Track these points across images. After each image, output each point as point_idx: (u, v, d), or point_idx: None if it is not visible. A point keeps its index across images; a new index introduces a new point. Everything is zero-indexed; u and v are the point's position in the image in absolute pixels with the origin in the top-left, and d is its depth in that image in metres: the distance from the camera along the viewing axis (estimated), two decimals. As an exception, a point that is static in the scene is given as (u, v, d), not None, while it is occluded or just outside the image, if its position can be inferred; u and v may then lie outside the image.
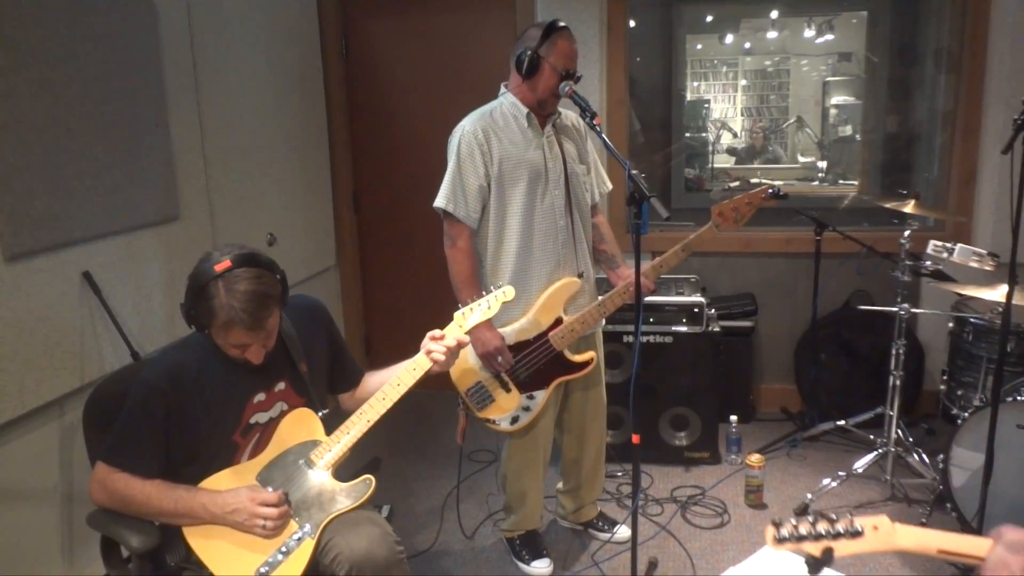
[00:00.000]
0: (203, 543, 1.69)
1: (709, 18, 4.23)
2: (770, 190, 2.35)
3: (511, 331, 2.38)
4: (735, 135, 4.40)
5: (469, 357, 2.37)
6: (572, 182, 2.41)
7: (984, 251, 2.59)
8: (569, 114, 2.47)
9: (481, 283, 2.42)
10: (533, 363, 2.40)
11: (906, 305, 2.90)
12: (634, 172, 1.96)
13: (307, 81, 3.73)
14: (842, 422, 3.35)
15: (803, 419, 3.64)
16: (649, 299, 3.09)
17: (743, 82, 4.34)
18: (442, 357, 1.86)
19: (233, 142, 3.06)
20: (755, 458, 2.95)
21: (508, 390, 2.42)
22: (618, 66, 3.72)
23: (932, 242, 2.69)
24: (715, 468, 3.28)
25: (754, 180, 4.30)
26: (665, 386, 3.24)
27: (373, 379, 2.04)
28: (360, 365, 2.10)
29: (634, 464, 2.17)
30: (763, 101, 4.36)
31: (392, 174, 4.09)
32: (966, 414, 2.51)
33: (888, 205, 3.03)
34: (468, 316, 1.94)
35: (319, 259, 3.88)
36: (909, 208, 2.90)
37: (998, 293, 2.49)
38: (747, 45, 4.32)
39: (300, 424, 1.85)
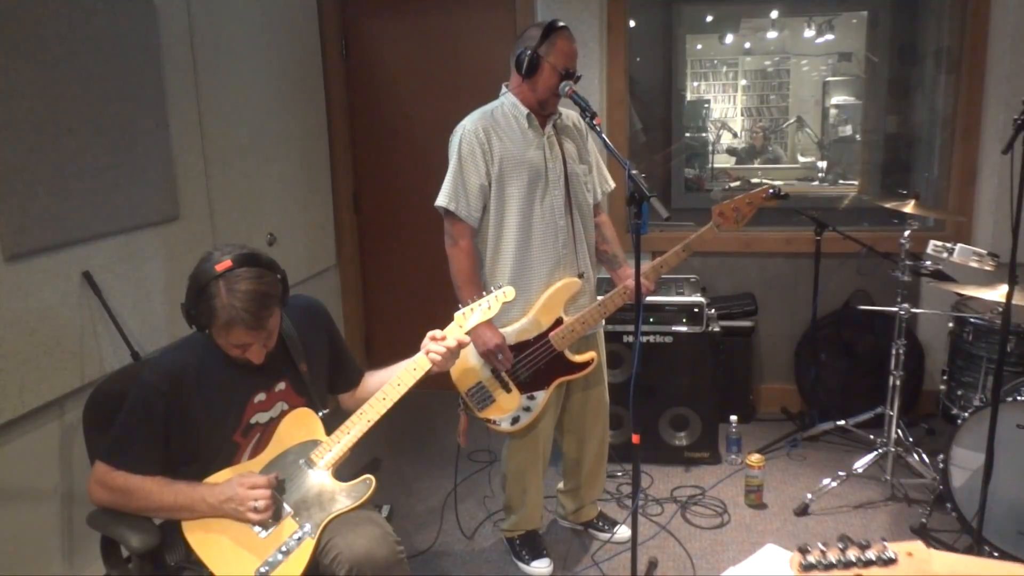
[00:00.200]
0: (203, 543, 1.69)
1: (709, 18, 4.23)
2: (771, 190, 2.35)
3: (512, 331, 2.38)
4: (735, 135, 4.40)
5: (470, 357, 2.37)
6: (572, 182, 2.41)
7: (984, 251, 2.59)
8: (570, 114, 2.47)
9: (481, 282, 2.43)
10: (534, 363, 2.40)
11: (906, 305, 2.90)
12: (634, 172, 1.96)
13: (307, 81, 3.73)
14: (842, 422, 3.35)
15: (803, 419, 3.64)
16: (649, 299, 3.09)
17: (743, 82, 4.34)
18: (440, 358, 1.86)
19: (233, 142, 3.06)
20: (755, 458, 2.95)
21: (508, 390, 2.42)
22: (618, 66, 3.72)
23: (932, 242, 2.69)
24: (715, 468, 3.28)
25: (755, 180, 4.30)
26: (665, 386, 3.24)
27: (373, 379, 2.04)
28: (360, 365, 2.10)
29: (634, 464, 2.17)
30: (763, 101, 4.36)
31: (392, 174, 4.09)
32: (966, 414, 2.51)
33: (888, 205, 3.03)
34: (468, 316, 1.94)
35: (319, 259, 3.88)
36: (909, 208, 2.90)
37: (998, 293, 2.49)
38: (747, 45, 4.32)
39: (300, 424, 1.85)
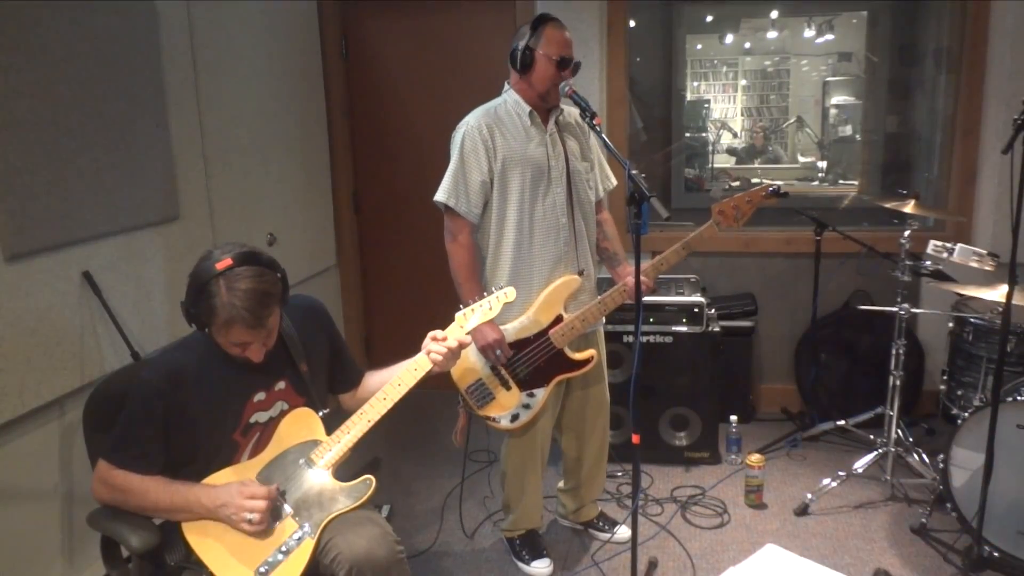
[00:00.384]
0: (203, 542, 1.70)
1: (709, 18, 4.23)
2: (771, 188, 2.35)
3: (511, 328, 2.38)
4: (735, 135, 4.40)
5: (470, 355, 2.37)
6: (574, 179, 2.42)
7: (984, 251, 2.59)
8: (572, 111, 2.47)
9: (482, 279, 2.43)
10: (533, 360, 2.40)
11: (906, 305, 2.90)
12: (634, 172, 1.96)
13: (307, 81, 3.73)
14: (842, 422, 3.35)
15: (803, 419, 3.64)
16: (649, 299, 3.09)
17: (743, 82, 4.34)
18: (441, 358, 1.86)
19: (233, 142, 3.06)
20: (755, 458, 2.95)
21: (508, 388, 2.42)
22: (618, 66, 3.72)
23: (932, 242, 2.69)
24: (715, 468, 3.28)
25: (755, 180, 4.30)
26: (665, 386, 3.24)
27: (374, 379, 2.04)
28: (360, 365, 2.10)
29: (634, 464, 2.17)
30: (763, 101, 4.36)
31: (392, 174, 4.09)
32: (966, 414, 2.51)
33: (888, 205, 3.03)
34: (469, 317, 1.94)
35: (319, 259, 3.88)
36: (909, 208, 2.90)
37: (998, 293, 2.49)
38: (747, 45, 4.32)
39: (301, 424, 1.85)
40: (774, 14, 4.15)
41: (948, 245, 2.63)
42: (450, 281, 2.41)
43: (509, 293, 1.96)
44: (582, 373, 2.48)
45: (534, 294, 2.40)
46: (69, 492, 2.27)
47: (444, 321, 1.95)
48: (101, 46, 2.35)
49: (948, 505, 2.53)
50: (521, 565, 2.64)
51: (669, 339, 3.23)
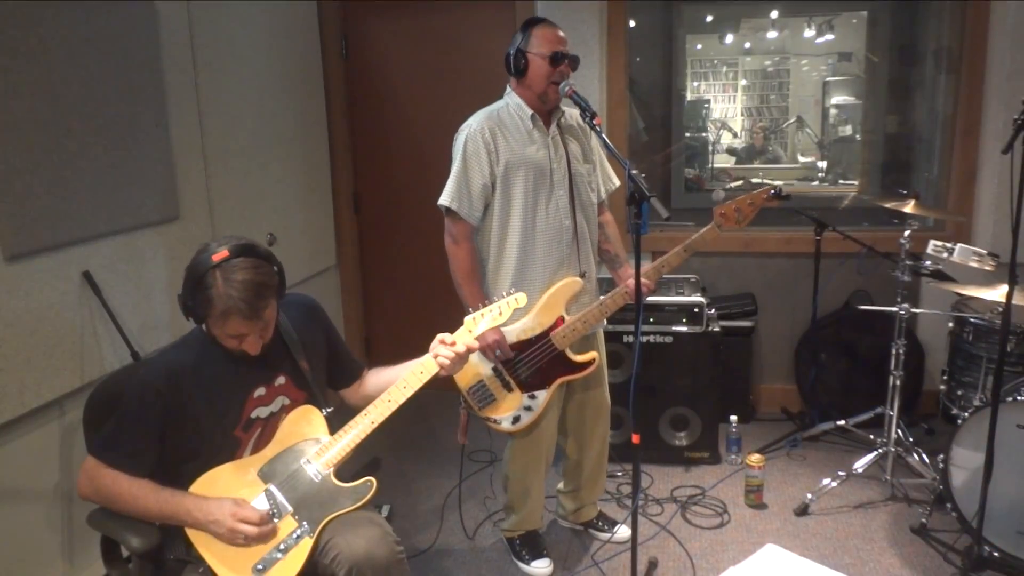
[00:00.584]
0: (202, 537, 1.70)
1: (709, 18, 4.23)
2: (772, 190, 2.35)
3: (513, 330, 2.38)
4: (735, 135, 4.40)
5: (473, 356, 2.37)
6: (576, 182, 2.42)
7: (984, 251, 2.59)
8: (573, 113, 2.47)
9: (482, 281, 2.43)
10: (535, 362, 2.40)
11: (906, 305, 2.90)
12: (634, 172, 1.96)
13: (307, 81, 3.73)
14: (842, 422, 3.35)
15: (803, 419, 3.64)
16: (649, 299, 3.09)
17: (743, 82, 4.34)
18: (448, 362, 1.85)
19: (233, 142, 3.06)
20: (755, 458, 2.95)
21: (510, 389, 2.42)
22: (618, 66, 3.72)
23: (932, 242, 2.69)
24: (715, 468, 3.28)
25: (755, 180, 4.30)
26: (665, 386, 3.24)
27: (379, 376, 2.04)
28: (360, 361, 2.11)
29: (634, 464, 2.17)
30: (763, 101, 4.36)
31: (392, 174, 4.09)
32: (966, 414, 2.51)
33: (888, 205, 3.03)
34: (479, 322, 1.91)
35: (319, 259, 3.88)
36: (909, 208, 2.90)
37: (998, 293, 2.49)
38: (747, 45, 4.32)
39: (304, 421, 1.85)
40: (774, 14, 4.15)
41: (948, 245, 2.63)
42: (450, 282, 2.41)
43: (520, 299, 1.93)
44: (584, 375, 2.48)
45: (536, 296, 2.40)
46: (69, 492, 2.27)
47: (444, 320, 1.95)
48: (101, 46, 2.35)
49: (948, 505, 2.53)
50: (521, 565, 2.64)
51: (669, 339, 3.23)
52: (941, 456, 2.56)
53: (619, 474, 3.21)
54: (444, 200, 2.36)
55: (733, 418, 3.30)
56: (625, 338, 3.23)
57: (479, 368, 2.40)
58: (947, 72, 3.68)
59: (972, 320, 2.98)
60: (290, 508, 1.74)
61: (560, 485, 2.83)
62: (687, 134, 4.20)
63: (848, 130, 4.31)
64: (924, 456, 2.97)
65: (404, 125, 4.02)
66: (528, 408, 2.44)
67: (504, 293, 1.94)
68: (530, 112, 2.36)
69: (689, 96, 4.24)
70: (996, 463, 2.23)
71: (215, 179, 2.94)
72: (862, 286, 3.63)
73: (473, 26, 3.87)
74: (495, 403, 2.42)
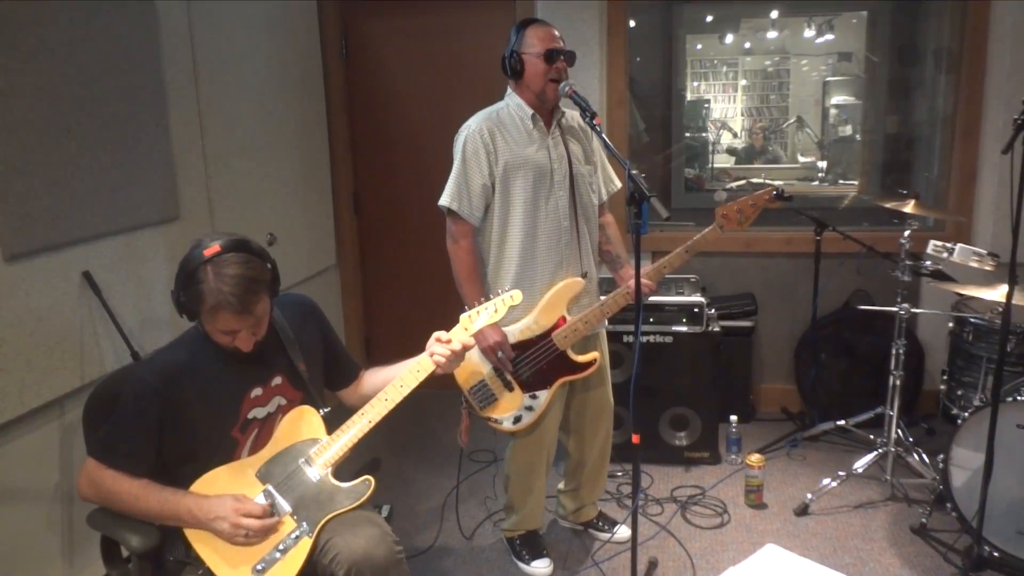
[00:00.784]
0: (202, 539, 1.70)
1: (709, 18, 4.22)
2: (775, 191, 2.35)
3: (514, 330, 2.39)
4: (735, 135, 4.40)
5: (473, 356, 2.37)
6: (577, 183, 2.42)
7: (984, 251, 2.59)
8: (574, 114, 2.47)
9: (483, 280, 2.43)
10: (536, 362, 2.40)
11: (906, 305, 2.90)
12: (634, 172, 1.96)
13: (307, 81, 3.73)
14: (842, 422, 3.35)
15: (803, 419, 3.64)
16: (650, 299, 3.09)
17: (743, 82, 4.34)
18: (444, 360, 1.86)
19: (233, 142, 3.06)
20: (755, 458, 2.95)
21: (511, 389, 2.42)
22: (618, 66, 3.72)
23: (932, 242, 2.69)
24: (715, 468, 3.28)
25: (755, 180, 4.30)
26: (665, 386, 3.24)
27: (376, 376, 2.04)
28: (358, 361, 2.10)
29: (634, 464, 2.17)
30: (763, 101, 4.36)
31: (392, 174, 4.09)
32: (966, 414, 2.51)
33: (888, 205, 3.03)
34: (474, 319, 1.92)
35: (319, 259, 3.88)
36: (909, 208, 2.90)
37: (998, 293, 2.49)
38: (747, 45, 4.32)
39: (301, 422, 1.85)
40: (774, 14, 4.15)
41: (948, 245, 2.63)
42: (451, 281, 2.41)
43: (515, 296, 1.94)
44: (585, 376, 2.48)
45: (537, 296, 2.40)
46: (69, 492, 2.27)
47: (444, 321, 1.95)
48: (101, 46, 2.35)
49: (948, 505, 2.53)
50: (521, 565, 2.64)
51: (669, 339, 3.23)
52: (941, 456, 2.57)
53: (619, 474, 3.21)
54: (444, 200, 2.36)
55: (733, 418, 3.30)
56: (625, 338, 3.23)
57: (480, 368, 2.40)
58: (947, 72, 3.68)
59: (972, 320, 2.97)
60: (288, 508, 1.74)
61: (561, 484, 2.83)
62: (687, 134, 4.20)
63: (848, 130, 4.31)
64: (924, 456, 2.97)
65: (404, 125, 4.02)
66: (529, 408, 2.44)
67: (500, 291, 1.94)
68: (530, 112, 2.36)
69: (689, 96, 4.24)
70: (996, 463, 2.23)
71: (215, 179, 2.94)
72: (862, 286, 3.63)
73: (473, 26, 3.87)
74: (496, 403, 2.42)
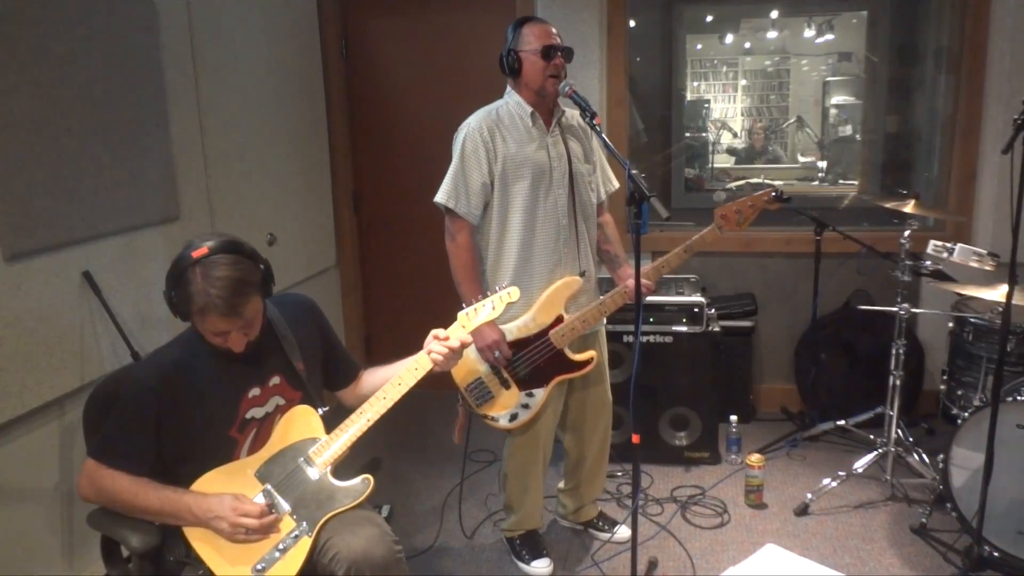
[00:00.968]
0: (201, 539, 1.70)
1: (709, 18, 4.23)
2: (773, 193, 2.35)
3: (511, 328, 2.39)
4: (735, 135, 4.40)
5: (470, 353, 2.38)
6: (576, 181, 2.42)
7: (984, 251, 2.59)
8: (574, 113, 2.47)
9: (481, 279, 2.43)
10: (533, 360, 2.40)
11: (906, 305, 2.90)
12: (634, 172, 1.96)
13: (307, 81, 3.73)
14: (842, 422, 3.35)
15: (803, 419, 3.64)
16: (649, 299, 3.09)
17: (743, 82, 4.34)
18: (442, 358, 1.86)
19: (233, 142, 3.06)
20: (755, 458, 2.95)
21: (508, 387, 2.42)
22: (618, 66, 3.72)
23: (932, 242, 2.69)
24: (715, 468, 3.28)
25: (754, 180, 4.30)
26: (665, 386, 3.24)
27: (375, 376, 2.04)
28: (357, 362, 2.10)
29: (634, 464, 2.17)
30: (763, 101, 4.36)
31: (392, 174, 4.09)
32: (966, 414, 2.51)
33: (888, 205, 3.03)
34: (472, 317, 1.93)
35: (319, 259, 3.88)
36: (909, 208, 2.90)
37: (998, 293, 2.49)
38: (747, 45, 4.32)
39: (300, 421, 1.85)
40: (774, 14, 4.15)
41: (948, 245, 2.63)
42: (450, 281, 2.41)
43: (513, 293, 1.95)
44: (582, 375, 2.48)
45: (535, 294, 2.40)
46: (69, 492, 2.27)
47: (444, 321, 1.95)
48: (101, 46, 2.35)
49: (948, 505, 2.53)
50: (521, 565, 2.64)
51: (669, 339, 3.23)
52: (941, 456, 2.56)
53: (619, 474, 3.21)
54: (440, 198, 2.36)
55: (733, 418, 3.30)
56: (625, 338, 3.23)
57: (477, 365, 2.40)
58: (947, 72, 3.68)
59: (972, 320, 2.98)
60: (288, 508, 1.74)
61: (560, 484, 2.83)
62: (687, 134, 4.20)
63: (848, 130, 4.31)
64: (924, 456, 2.97)
65: (404, 125, 4.02)
66: (525, 406, 2.44)
67: (497, 288, 1.94)
68: (530, 110, 2.36)
69: (689, 96, 4.24)
70: (996, 463, 2.23)
71: (215, 179, 2.94)
72: (862, 286, 3.63)
73: (473, 26, 3.87)
74: (493, 400, 2.43)
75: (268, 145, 3.33)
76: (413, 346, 1.93)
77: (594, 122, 2.17)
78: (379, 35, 3.98)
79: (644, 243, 2.13)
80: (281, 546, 1.70)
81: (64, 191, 2.21)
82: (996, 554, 2.42)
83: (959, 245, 2.61)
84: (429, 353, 1.86)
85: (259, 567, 1.67)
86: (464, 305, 1.95)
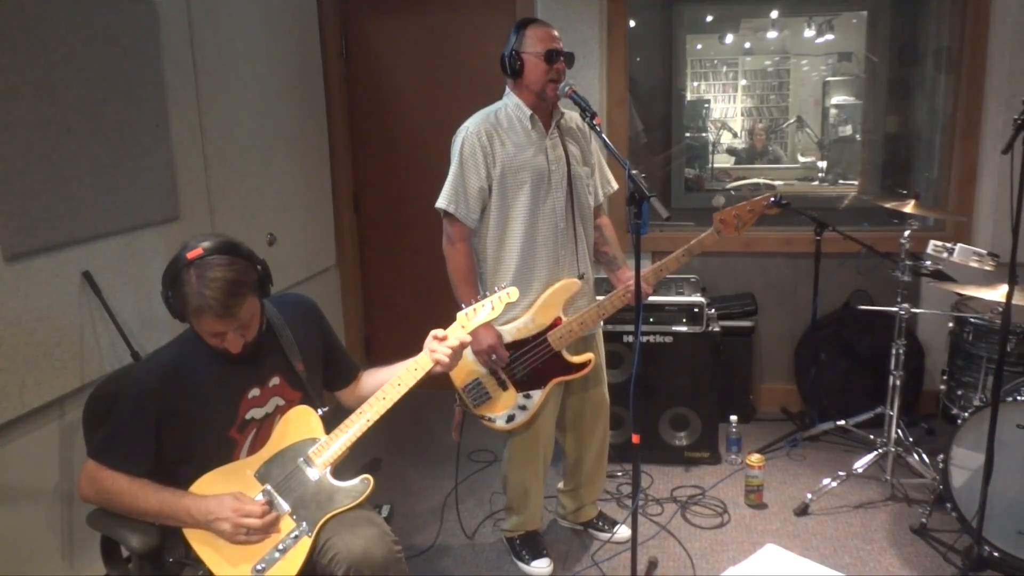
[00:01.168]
0: (201, 540, 1.70)
1: (709, 18, 4.23)
2: (772, 198, 2.36)
3: (510, 329, 2.39)
4: (735, 135, 4.40)
5: (468, 354, 2.38)
6: (575, 184, 2.42)
7: (984, 251, 2.59)
8: (573, 115, 2.47)
9: (480, 282, 2.43)
10: (531, 362, 2.40)
11: (906, 305, 2.90)
12: (634, 172, 1.96)
13: (307, 81, 3.73)
14: (842, 422, 3.35)
15: (803, 419, 3.64)
16: (649, 299, 3.09)
17: (743, 82, 4.34)
18: (445, 359, 1.86)
19: (233, 142, 3.06)
20: (755, 458, 2.95)
21: (505, 388, 2.42)
22: (618, 66, 3.72)
23: (932, 242, 2.69)
24: (715, 468, 3.28)
25: (754, 180, 4.29)
26: (665, 386, 3.24)
27: (374, 377, 2.04)
28: (356, 362, 2.10)
29: (634, 464, 2.18)
30: (763, 101, 4.36)
31: (392, 174, 4.09)
32: (966, 414, 2.51)
33: (888, 205, 3.03)
34: (472, 317, 1.92)
35: (319, 259, 3.88)
36: (909, 208, 2.90)
37: (998, 293, 2.49)
38: (747, 45, 4.32)
39: (300, 422, 1.85)
40: (774, 14, 4.15)
41: (948, 245, 2.63)
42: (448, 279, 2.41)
43: (512, 293, 1.95)
44: (579, 376, 2.49)
45: (533, 297, 2.40)
46: (69, 492, 2.27)
47: (444, 321, 1.95)
48: (101, 46, 2.35)
49: (948, 505, 2.53)
50: (521, 565, 2.64)
51: (669, 339, 3.23)
52: (941, 456, 2.56)
53: (619, 474, 3.21)
54: (441, 203, 2.36)
55: (733, 418, 3.30)
56: (625, 338, 3.23)
57: (475, 366, 2.40)
58: (947, 72, 3.68)
59: (972, 320, 2.98)
60: (288, 508, 1.74)
61: (560, 484, 2.83)
62: (687, 134, 4.20)
63: (848, 130, 4.31)
64: (924, 456, 2.97)
65: (404, 125, 4.02)
66: (523, 407, 2.44)
67: (496, 288, 1.94)
68: (529, 112, 2.36)
69: (689, 96, 4.24)
70: (996, 463, 2.23)
71: (215, 179, 2.94)
72: (862, 286, 3.63)
73: (473, 26, 3.87)
74: (490, 401, 2.43)
75: (268, 145, 3.33)
76: (413, 346, 1.93)
77: (594, 122, 2.17)
78: (379, 35, 3.98)
79: (644, 243, 2.13)
80: (281, 546, 1.70)
81: (64, 191, 2.21)
82: (996, 554, 2.42)
83: (959, 245, 2.61)
84: (430, 354, 1.86)
85: (259, 567, 1.67)
86: (463, 305, 1.95)
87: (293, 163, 3.56)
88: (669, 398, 3.27)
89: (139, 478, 1.71)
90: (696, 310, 3.22)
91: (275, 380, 1.86)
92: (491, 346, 2.32)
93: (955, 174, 3.59)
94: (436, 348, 1.86)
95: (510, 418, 2.44)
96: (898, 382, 2.94)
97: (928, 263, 2.86)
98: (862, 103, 4.16)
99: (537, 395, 2.43)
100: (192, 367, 1.76)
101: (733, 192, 4.23)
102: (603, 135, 2.15)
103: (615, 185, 2.64)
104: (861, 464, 2.96)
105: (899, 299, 2.91)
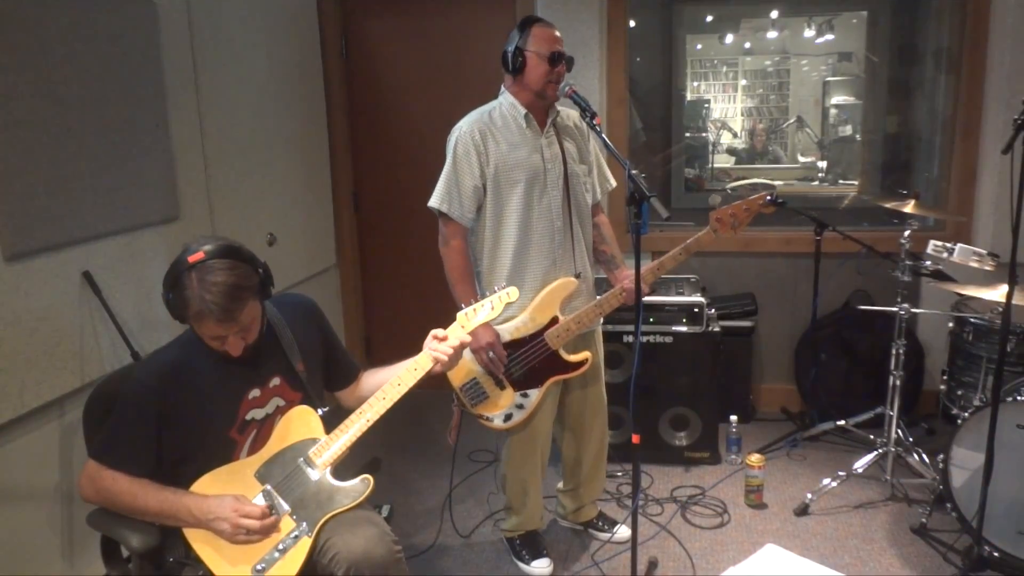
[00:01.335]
0: (201, 540, 1.70)
1: (709, 18, 4.23)
2: (768, 197, 2.36)
3: (507, 328, 2.39)
4: (735, 135, 4.40)
5: (466, 353, 2.38)
6: (571, 182, 2.42)
7: (984, 251, 2.59)
8: (571, 113, 2.47)
9: (476, 281, 2.43)
10: (528, 361, 2.40)
11: (906, 305, 2.90)
12: (634, 172, 1.96)
13: (307, 81, 3.73)
14: (842, 422, 3.35)
15: (803, 419, 3.64)
16: (649, 299, 3.09)
17: (743, 82, 4.35)
18: (446, 358, 1.86)
19: (233, 142, 3.06)
20: (755, 458, 2.95)
21: (502, 387, 2.42)
22: (618, 66, 3.72)
23: (932, 242, 2.69)
24: (715, 468, 3.28)
25: (754, 180, 4.30)
26: (665, 386, 3.24)
27: (374, 377, 2.04)
28: (357, 362, 2.10)
29: (634, 464, 2.18)
30: (763, 101, 4.37)
31: (392, 174, 4.09)
32: (966, 414, 2.51)
33: (888, 205, 3.03)
34: (471, 317, 1.93)
35: (319, 259, 3.88)
36: (909, 208, 2.90)
37: (998, 293, 2.49)
38: (747, 45, 4.33)
39: (300, 422, 1.85)
40: (774, 14, 4.16)
41: (948, 245, 2.63)
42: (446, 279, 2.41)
43: (512, 293, 1.95)
44: (577, 375, 2.49)
45: (530, 296, 2.40)
46: (69, 492, 2.27)
47: (444, 321, 1.95)
48: (101, 46, 2.35)
49: (948, 505, 2.53)
50: (521, 565, 2.64)
51: (669, 339, 3.23)
52: (941, 456, 2.56)
53: (619, 474, 3.21)
54: (434, 202, 2.36)
55: (733, 418, 3.30)
56: (625, 338, 3.23)
57: (473, 365, 2.40)
58: (947, 72, 3.68)
59: (972, 320, 2.97)
60: (288, 508, 1.74)
61: (560, 484, 2.83)
62: (687, 134, 4.21)
63: (848, 130, 4.32)
64: (924, 456, 2.97)
65: (404, 125, 4.02)
66: (520, 406, 2.44)
67: (496, 288, 1.94)
68: (523, 111, 2.35)
69: (689, 96, 4.25)
70: (996, 463, 2.23)
71: (215, 179, 2.94)
72: (862, 286, 3.63)
73: (473, 26, 3.87)
74: (488, 400, 2.43)
75: (268, 145, 3.33)
76: (413, 346, 1.93)
77: (594, 122, 2.17)
78: (379, 35, 3.98)
79: (644, 243, 2.13)
80: (281, 546, 1.70)
81: (64, 191, 2.21)
82: (996, 554, 2.42)
83: (959, 245, 2.61)
84: (432, 353, 1.86)
85: (259, 567, 1.67)
86: (463, 305, 1.95)
87: (293, 163, 3.56)
88: (669, 398, 3.27)
89: (140, 478, 1.71)
90: (696, 310, 3.22)
91: (275, 381, 1.86)
92: (489, 344, 2.32)
93: (955, 174, 3.59)
94: (436, 348, 1.86)
95: (507, 417, 2.44)
96: (898, 382, 2.94)
97: (928, 263, 2.86)
98: (862, 103, 4.16)
99: (534, 394, 2.43)
100: (192, 367, 1.76)
101: (730, 192, 4.23)
102: (603, 135, 2.15)
103: (614, 182, 2.64)
104: (861, 464, 2.96)
105: (899, 299, 2.91)
